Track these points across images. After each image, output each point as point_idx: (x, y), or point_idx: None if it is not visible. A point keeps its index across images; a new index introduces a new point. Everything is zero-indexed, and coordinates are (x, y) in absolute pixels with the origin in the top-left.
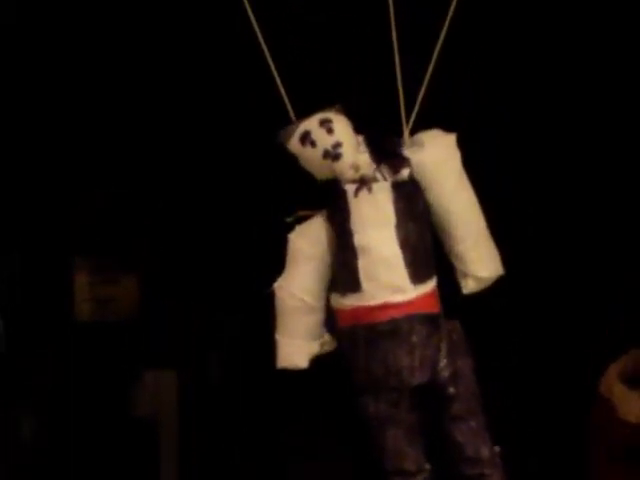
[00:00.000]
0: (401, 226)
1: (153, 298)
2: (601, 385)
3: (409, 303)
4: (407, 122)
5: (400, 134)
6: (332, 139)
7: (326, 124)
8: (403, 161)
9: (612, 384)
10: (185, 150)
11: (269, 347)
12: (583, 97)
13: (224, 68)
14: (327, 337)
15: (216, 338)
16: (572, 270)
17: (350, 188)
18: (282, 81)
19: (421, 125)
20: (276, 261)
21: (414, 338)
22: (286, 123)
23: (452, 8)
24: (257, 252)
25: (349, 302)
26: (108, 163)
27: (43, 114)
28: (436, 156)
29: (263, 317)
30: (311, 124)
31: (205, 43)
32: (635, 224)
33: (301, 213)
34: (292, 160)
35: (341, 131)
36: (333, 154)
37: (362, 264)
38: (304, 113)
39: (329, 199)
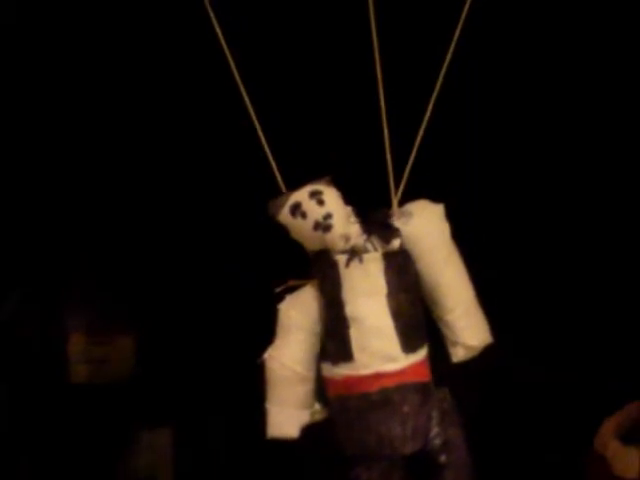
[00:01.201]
0: (392, 296)
1: (148, 359)
2: (596, 441)
3: (401, 372)
4: (396, 193)
5: (389, 204)
6: (323, 210)
7: (316, 196)
8: (394, 232)
9: (607, 440)
10: (177, 218)
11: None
12: (573, 159)
13: (215, 139)
14: (318, 406)
15: (212, 399)
16: (563, 328)
17: (341, 259)
18: (272, 153)
19: (410, 195)
20: (267, 330)
21: (406, 408)
22: (276, 194)
23: (440, 78)
24: (249, 321)
25: (341, 371)
26: (103, 226)
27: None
28: (425, 227)
29: (256, 383)
30: (301, 196)
31: (194, 113)
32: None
33: (291, 283)
34: (282, 231)
35: (331, 202)
36: (324, 225)
37: (354, 334)
38: (294, 184)
39: (319, 269)
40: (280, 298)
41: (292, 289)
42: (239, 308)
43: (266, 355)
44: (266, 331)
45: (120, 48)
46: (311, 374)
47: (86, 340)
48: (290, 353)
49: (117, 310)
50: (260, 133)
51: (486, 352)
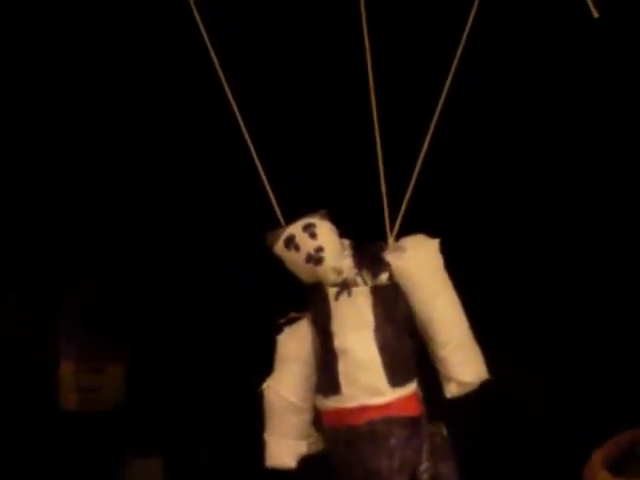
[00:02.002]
0: (380, 330)
1: (139, 388)
2: (585, 472)
3: (387, 406)
4: (392, 228)
5: (386, 238)
6: (315, 243)
7: (309, 229)
8: (383, 265)
9: (596, 471)
10: (174, 249)
11: (258, 442)
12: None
13: (214, 174)
14: (315, 437)
15: (203, 429)
16: (563, 334)
17: (332, 291)
18: (272, 187)
19: (407, 229)
20: (260, 361)
21: (392, 441)
22: (275, 226)
23: (436, 116)
24: (240, 351)
25: (330, 404)
26: (95, 252)
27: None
28: (417, 261)
29: (251, 413)
30: (295, 229)
31: (194, 149)
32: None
33: (292, 315)
34: (279, 262)
35: (324, 235)
36: (315, 258)
37: (341, 367)
38: (293, 217)
39: (312, 302)
40: (279, 330)
41: (293, 321)
42: (230, 339)
43: (264, 386)
44: (258, 362)
45: (122, 53)
46: (307, 405)
47: (76, 368)
48: (287, 384)
49: (108, 338)
50: (260, 169)
51: (485, 386)
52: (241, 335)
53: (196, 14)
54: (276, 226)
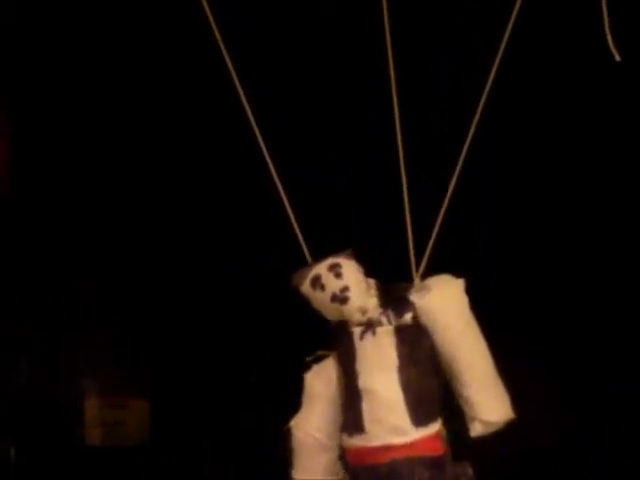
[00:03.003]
0: (403, 369)
1: (163, 423)
2: None
3: (410, 445)
4: (417, 268)
5: (412, 277)
6: (340, 283)
7: (335, 269)
8: (407, 305)
9: None
10: (202, 288)
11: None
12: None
13: (245, 213)
14: (342, 475)
15: (226, 464)
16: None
17: (357, 331)
18: (299, 226)
19: (432, 269)
20: (294, 399)
21: None
22: (302, 265)
23: (462, 156)
24: (265, 391)
25: (354, 442)
26: (120, 293)
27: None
28: (442, 301)
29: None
30: (321, 269)
31: (223, 187)
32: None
33: (320, 353)
34: (305, 302)
35: (349, 275)
36: (340, 298)
37: (366, 406)
38: (319, 256)
39: (337, 340)
40: (307, 367)
41: (320, 359)
42: (254, 377)
43: (292, 423)
44: (284, 399)
45: (124, 59)
46: (334, 443)
47: (101, 403)
48: (314, 422)
49: (132, 374)
50: (288, 208)
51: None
52: (266, 373)
53: (212, 23)
54: (304, 264)
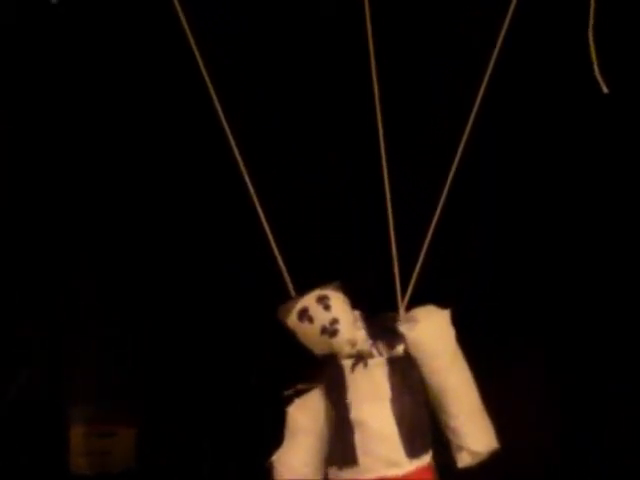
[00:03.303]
0: (396, 401)
1: (150, 452)
2: None
3: (403, 477)
4: (402, 298)
5: (396, 309)
6: (329, 316)
7: (323, 301)
8: (398, 337)
9: None
10: (186, 322)
11: None
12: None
13: (227, 247)
14: None
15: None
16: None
17: (347, 363)
18: (282, 257)
19: (417, 299)
20: (275, 434)
21: None
22: (285, 298)
23: (445, 192)
24: (253, 420)
25: (345, 476)
26: (107, 317)
27: None
28: (430, 333)
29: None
30: (309, 301)
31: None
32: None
33: (300, 387)
34: (290, 335)
35: (338, 308)
36: (330, 330)
37: (358, 438)
38: (303, 289)
39: (326, 374)
40: (289, 401)
41: (301, 392)
42: (242, 406)
43: (274, 458)
44: (270, 431)
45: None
46: (319, 477)
47: (87, 431)
48: (298, 456)
49: (119, 402)
50: (271, 239)
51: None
52: (253, 404)
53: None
54: (287, 298)
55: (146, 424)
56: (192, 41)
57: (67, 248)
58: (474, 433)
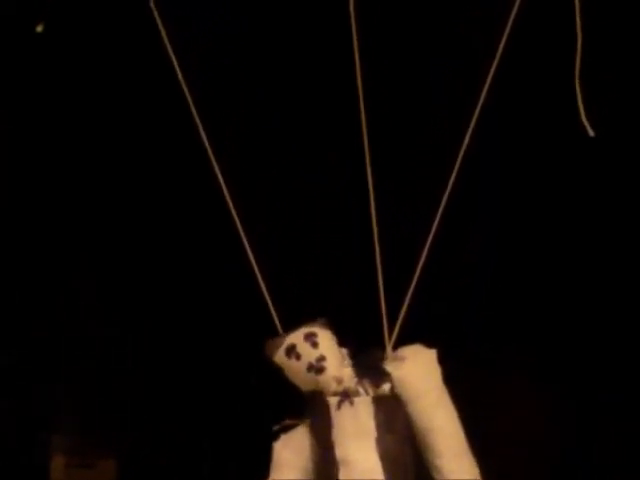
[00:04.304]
0: (381, 439)
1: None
2: None
3: None
4: (389, 337)
5: (383, 347)
6: (316, 353)
7: (311, 338)
8: (385, 376)
9: None
10: (187, 323)
11: None
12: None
13: (214, 284)
14: None
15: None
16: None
17: (333, 401)
18: (270, 295)
19: (405, 337)
20: (260, 469)
21: None
22: (273, 335)
23: (434, 228)
24: (255, 425)
25: None
26: (89, 340)
27: None
28: (416, 372)
29: None
30: (296, 338)
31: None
32: None
33: (287, 422)
34: (277, 371)
35: (325, 345)
36: (317, 367)
37: (342, 477)
38: (290, 326)
39: (312, 410)
40: (275, 436)
41: (288, 428)
42: (242, 406)
43: None
44: (256, 465)
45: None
46: None
47: (67, 462)
48: None
49: (99, 433)
50: (259, 276)
51: None
52: (238, 438)
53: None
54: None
55: (127, 456)
56: (169, 47)
57: (67, 248)
58: (459, 471)
